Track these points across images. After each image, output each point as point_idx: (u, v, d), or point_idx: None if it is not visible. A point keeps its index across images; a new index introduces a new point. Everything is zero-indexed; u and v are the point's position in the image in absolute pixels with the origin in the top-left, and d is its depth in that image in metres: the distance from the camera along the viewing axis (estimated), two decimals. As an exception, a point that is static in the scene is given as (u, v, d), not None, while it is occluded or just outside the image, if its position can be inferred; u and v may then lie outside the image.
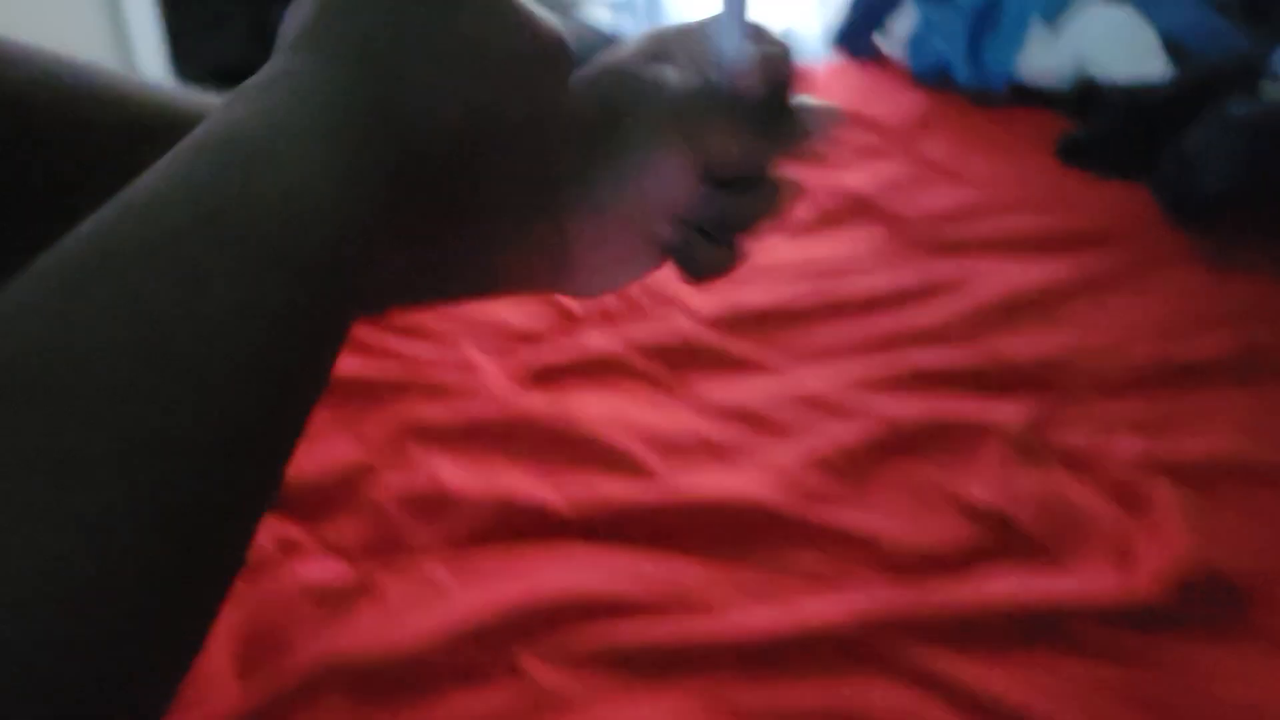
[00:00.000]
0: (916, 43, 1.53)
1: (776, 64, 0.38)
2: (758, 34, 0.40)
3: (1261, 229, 1.06)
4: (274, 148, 0.28)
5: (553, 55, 0.35)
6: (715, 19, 0.40)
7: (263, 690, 0.55)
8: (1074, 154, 1.24)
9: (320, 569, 0.64)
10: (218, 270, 0.24)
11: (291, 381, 0.27)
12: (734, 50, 0.39)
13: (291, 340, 0.26)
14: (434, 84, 0.32)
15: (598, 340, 0.88)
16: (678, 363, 0.86)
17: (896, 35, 1.60)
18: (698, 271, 0.41)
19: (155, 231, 0.24)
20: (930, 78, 1.50)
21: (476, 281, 0.41)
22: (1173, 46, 1.33)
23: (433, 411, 0.79)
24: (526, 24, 0.34)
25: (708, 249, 0.40)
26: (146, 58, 2.03)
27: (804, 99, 0.41)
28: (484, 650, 0.57)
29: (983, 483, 0.71)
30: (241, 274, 0.25)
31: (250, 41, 3.19)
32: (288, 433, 0.27)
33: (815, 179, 1.22)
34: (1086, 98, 1.35)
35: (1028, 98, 1.42)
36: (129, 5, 1.99)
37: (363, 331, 0.89)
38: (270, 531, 0.67)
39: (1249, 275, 0.98)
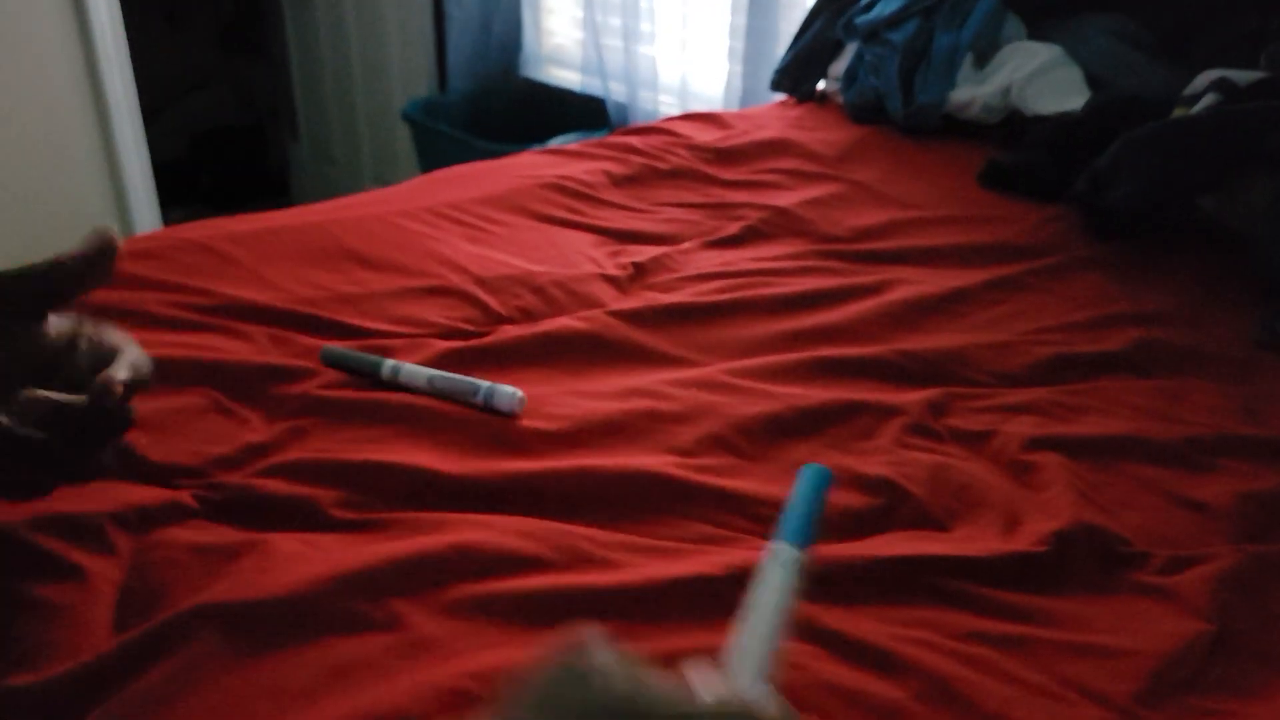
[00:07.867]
0: (851, 79, 1.58)
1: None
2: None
3: (1167, 240, 1.09)
4: None
5: None
6: None
7: (136, 632, 0.54)
8: (995, 179, 1.28)
9: (209, 532, 0.64)
10: None
11: None
12: None
13: None
14: None
15: (513, 333, 0.89)
16: (589, 353, 0.87)
17: (833, 74, 1.65)
18: None
19: None
20: (865, 112, 1.55)
21: None
22: (1095, 82, 1.39)
23: (338, 393, 0.79)
24: None
25: None
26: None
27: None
28: (363, 599, 0.57)
29: (877, 458, 0.73)
30: None
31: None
32: None
33: (746, 198, 1.24)
34: (1013, 128, 1.40)
35: (957, 129, 1.47)
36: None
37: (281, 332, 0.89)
38: (164, 500, 0.67)
39: (1153, 281, 1.01)
